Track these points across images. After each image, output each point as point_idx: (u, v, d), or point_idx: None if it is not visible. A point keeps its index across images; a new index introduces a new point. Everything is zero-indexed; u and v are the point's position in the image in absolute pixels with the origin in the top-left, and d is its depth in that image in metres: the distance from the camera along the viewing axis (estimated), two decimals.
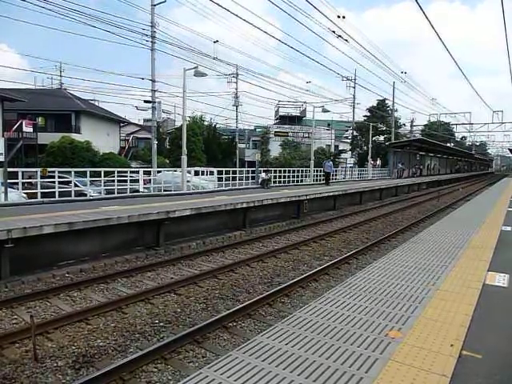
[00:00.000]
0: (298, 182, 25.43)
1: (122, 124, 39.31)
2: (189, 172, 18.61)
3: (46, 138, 26.40)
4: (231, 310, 5.63)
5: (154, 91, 22.43)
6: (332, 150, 44.89)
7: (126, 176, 16.06)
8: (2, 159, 11.19)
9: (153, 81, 22.24)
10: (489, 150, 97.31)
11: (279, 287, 6.69)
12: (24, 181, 12.91)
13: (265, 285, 7.22)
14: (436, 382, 2.40)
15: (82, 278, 7.40)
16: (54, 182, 13.14)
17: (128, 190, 15.39)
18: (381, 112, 43.12)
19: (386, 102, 44.08)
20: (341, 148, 45.11)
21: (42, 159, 24.87)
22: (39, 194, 12.45)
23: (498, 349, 2.89)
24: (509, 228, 8.05)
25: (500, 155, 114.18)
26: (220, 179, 20.61)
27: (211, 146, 36.57)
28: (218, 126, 43.41)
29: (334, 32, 18.98)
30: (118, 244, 9.27)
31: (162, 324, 5.42)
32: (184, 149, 17.04)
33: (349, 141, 44.56)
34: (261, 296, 6.26)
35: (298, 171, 26.46)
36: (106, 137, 32.91)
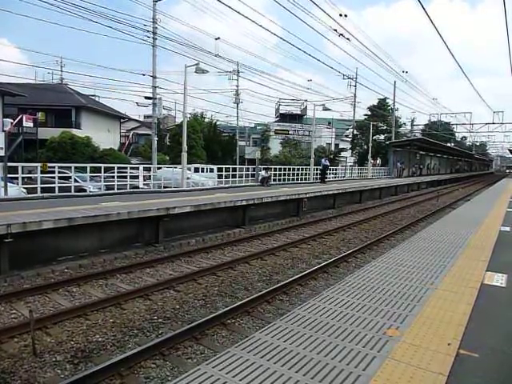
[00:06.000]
0: (297, 180, 25.41)
1: (122, 120, 39.23)
2: (189, 169, 18.60)
3: (47, 133, 26.35)
4: (230, 307, 5.64)
5: (154, 87, 22.38)
6: (332, 148, 44.86)
7: (126, 172, 16.05)
8: (2, 154, 11.18)
9: (154, 77, 22.19)
10: (489, 151, 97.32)
11: (278, 285, 6.71)
12: (24, 176, 12.90)
13: (264, 282, 7.24)
14: (433, 381, 2.41)
15: (82, 273, 7.42)
16: (53, 178, 13.14)
17: (128, 187, 15.39)
18: (381, 111, 43.07)
19: (387, 100, 44.05)
20: (341, 146, 45.05)
21: (42, 154, 24.83)
22: (39, 189, 12.44)
23: (495, 348, 2.90)
24: (508, 228, 8.06)
25: (500, 156, 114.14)
26: (220, 176, 20.60)
27: (211, 144, 36.51)
28: (218, 123, 43.36)
29: (335, 30, 18.94)
30: (118, 240, 9.28)
31: (160, 320, 5.44)
32: (184, 146, 17.03)
33: (349, 139, 44.52)
34: (259, 293, 6.28)
35: (298, 169, 26.44)
36: (106, 133, 32.85)
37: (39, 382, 3.94)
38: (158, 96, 23.15)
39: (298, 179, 25.49)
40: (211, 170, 20.90)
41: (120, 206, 9.83)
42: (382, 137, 43.89)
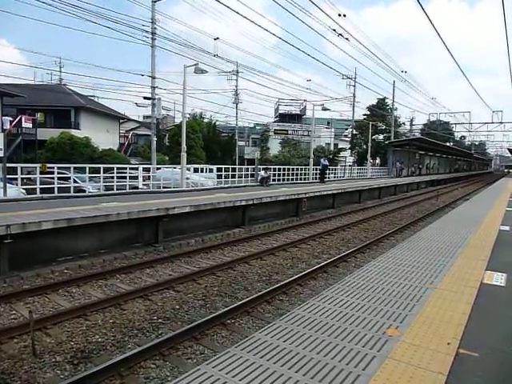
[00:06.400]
0: (297, 180, 25.42)
1: (121, 120, 39.22)
2: (188, 169, 18.60)
3: (46, 134, 26.31)
4: (229, 307, 5.65)
5: (153, 88, 22.35)
6: (331, 148, 44.88)
7: (126, 172, 16.05)
8: (1, 154, 11.17)
9: (153, 77, 22.16)
10: (488, 150, 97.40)
11: (278, 285, 6.71)
12: (23, 176, 12.89)
13: (263, 282, 7.24)
14: (433, 380, 2.41)
15: (81, 274, 7.41)
16: (53, 178, 13.13)
17: (127, 187, 15.38)
18: (380, 111, 43.09)
19: (386, 100, 44.08)
20: (340, 146, 45.08)
21: (41, 155, 24.81)
22: (38, 190, 12.44)
23: (494, 347, 2.91)
24: (507, 228, 8.06)
25: (499, 155, 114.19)
26: (219, 176, 20.60)
27: (211, 144, 36.52)
28: (217, 123, 43.37)
29: (334, 30, 18.96)
30: (117, 240, 9.28)
31: (160, 320, 5.44)
32: (183, 146, 17.02)
33: (348, 139, 44.56)
34: (259, 293, 6.28)
35: (298, 169, 26.46)
36: (105, 133, 32.82)
37: (39, 382, 3.93)
38: (157, 96, 23.08)
39: (297, 179, 25.51)
40: (210, 170, 20.90)
41: (119, 206, 9.82)
42: (381, 136, 43.95)
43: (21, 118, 24.14)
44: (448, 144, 58.11)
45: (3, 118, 19.97)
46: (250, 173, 22.44)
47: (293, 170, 25.77)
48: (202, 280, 7.22)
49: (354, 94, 39.30)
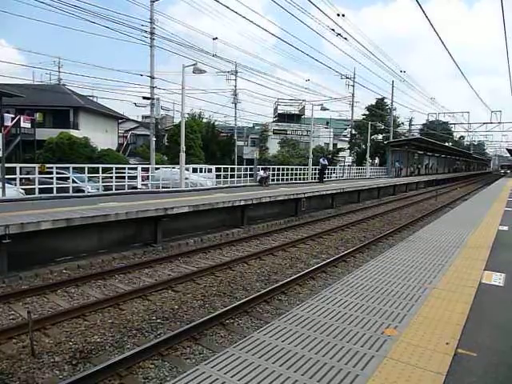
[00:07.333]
0: (296, 179, 25.42)
1: (120, 120, 39.19)
2: (187, 169, 18.59)
3: (44, 134, 26.28)
4: (228, 307, 5.65)
5: (152, 88, 22.33)
6: (330, 148, 44.89)
7: (124, 172, 16.04)
8: None
9: (152, 77, 22.14)
10: (487, 150, 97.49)
11: (276, 285, 6.71)
12: (22, 176, 12.88)
13: (262, 282, 7.24)
14: (431, 380, 2.42)
15: (80, 274, 7.41)
16: (51, 178, 13.11)
17: (126, 187, 15.37)
18: (379, 111, 43.09)
19: (385, 100, 44.07)
20: (339, 146, 45.09)
21: (40, 155, 24.79)
22: (37, 190, 12.42)
23: (492, 347, 2.91)
24: (506, 228, 8.08)
25: (498, 155, 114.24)
26: (218, 176, 20.60)
27: (210, 144, 36.54)
28: (216, 123, 43.36)
29: (333, 30, 18.98)
30: (116, 240, 9.27)
31: (159, 320, 5.44)
32: (182, 146, 17.00)
33: (347, 139, 44.58)
34: (258, 293, 6.28)
35: (297, 169, 26.45)
36: (104, 133, 32.80)
37: (38, 382, 3.93)
38: (156, 96, 23.07)
39: (296, 179, 25.48)
40: (209, 170, 20.89)
41: (118, 206, 9.81)
42: (380, 136, 43.95)
43: (19, 118, 24.09)
44: (447, 144, 58.14)
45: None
46: (248, 173, 22.43)
47: (292, 169, 25.74)
48: (200, 280, 7.22)
49: (352, 94, 39.30)
